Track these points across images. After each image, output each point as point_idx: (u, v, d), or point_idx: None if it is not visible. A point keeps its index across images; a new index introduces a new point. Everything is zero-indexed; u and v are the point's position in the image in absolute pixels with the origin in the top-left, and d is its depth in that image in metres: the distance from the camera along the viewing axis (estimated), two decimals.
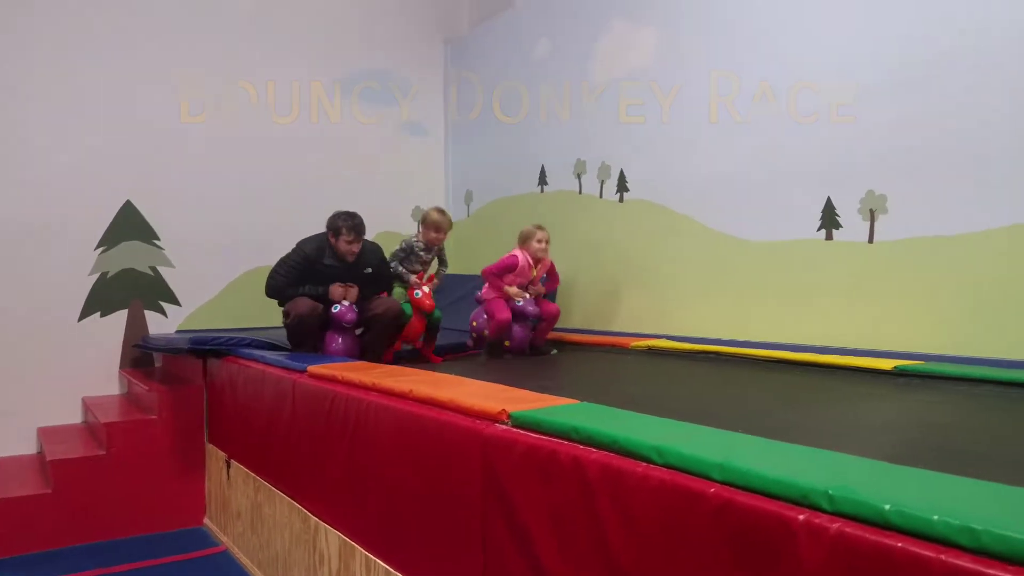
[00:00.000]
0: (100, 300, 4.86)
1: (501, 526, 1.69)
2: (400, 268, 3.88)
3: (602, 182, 4.59)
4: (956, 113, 2.89)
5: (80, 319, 4.79)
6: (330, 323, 3.58)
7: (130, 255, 4.95)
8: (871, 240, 3.18)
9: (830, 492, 1.07)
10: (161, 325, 5.04)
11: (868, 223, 3.19)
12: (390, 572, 2.15)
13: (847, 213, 3.27)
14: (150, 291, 5.01)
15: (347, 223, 3.53)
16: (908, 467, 1.21)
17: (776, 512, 1.11)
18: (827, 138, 3.34)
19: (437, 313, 3.82)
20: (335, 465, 2.47)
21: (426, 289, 3.75)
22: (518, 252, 3.94)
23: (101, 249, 4.86)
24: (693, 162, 3.99)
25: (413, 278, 3.84)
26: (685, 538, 1.24)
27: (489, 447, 1.73)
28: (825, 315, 3.37)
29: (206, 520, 4.06)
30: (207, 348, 3.84)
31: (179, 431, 4.03)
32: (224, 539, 3.74)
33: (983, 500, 1.02)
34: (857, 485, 1.08)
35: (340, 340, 3.60)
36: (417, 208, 6.01)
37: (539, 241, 3.90)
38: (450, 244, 5.84)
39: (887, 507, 1.00)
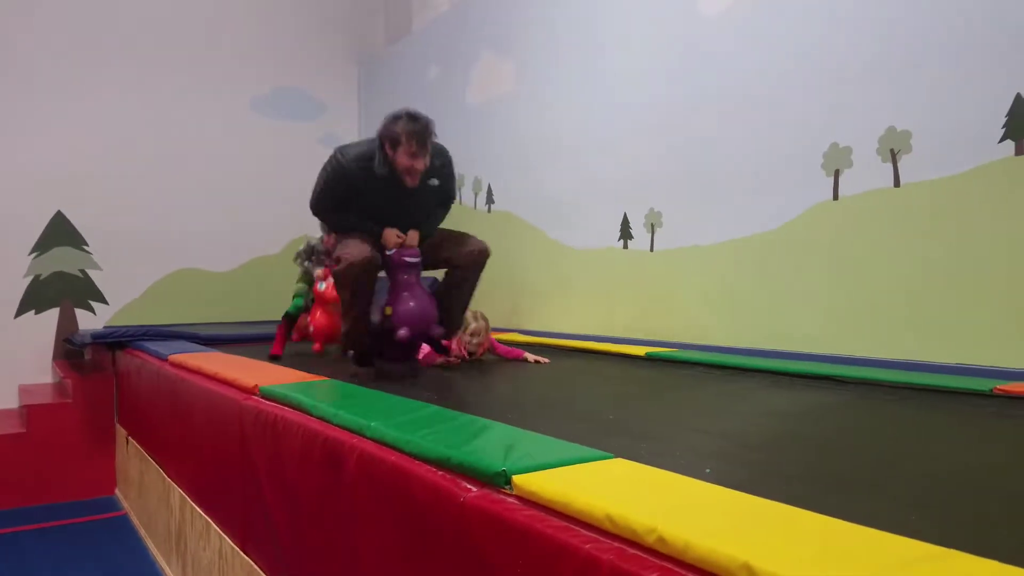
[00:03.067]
0: (34, 299, 5.47)
1: (250, 476, 2.29)
2: (306, 263, 3.83)
3: (476, 194, 5.20)
4: (707, 145, 3.50)
5: (16, 316, 5.39)
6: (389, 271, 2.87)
7: (61, 259, 5.55)
8: (652, 249, 3.80)
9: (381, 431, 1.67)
10: (91, 322, 5.63)
11: (650, 235, 3.81)
12: (203, 516, 2.76)
13: (637, 226, 3.88)
14: (80, 291, 5.61)
15: (409, 127, 2.54)
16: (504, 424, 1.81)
17: (340, 438, 1.70)
18: (623, 161, 3.95)
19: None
20: (174, 434, 3.08)
21: (332, 281, 3.36)
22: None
23: (34, 254, 5.46)
24: (540, 179, 4.59)
25: (319, 270, 3.71)
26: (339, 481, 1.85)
27: (244, 413, 2.33)
28: (623, 310, 3.99)
29: (116, 490, 4.67)
30: (107, 340, 4.43)
31: (92, 413, 4.63)
32: (126, 505, 4.35)
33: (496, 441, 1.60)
34: (398, 430, 1.68)
35: (409, 295, 2.75)
36: None
37: (473, 335, 3.31)
38: None
39: (407, 439, 1.58)
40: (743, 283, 3.35)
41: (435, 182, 2.82)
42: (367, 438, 1.63)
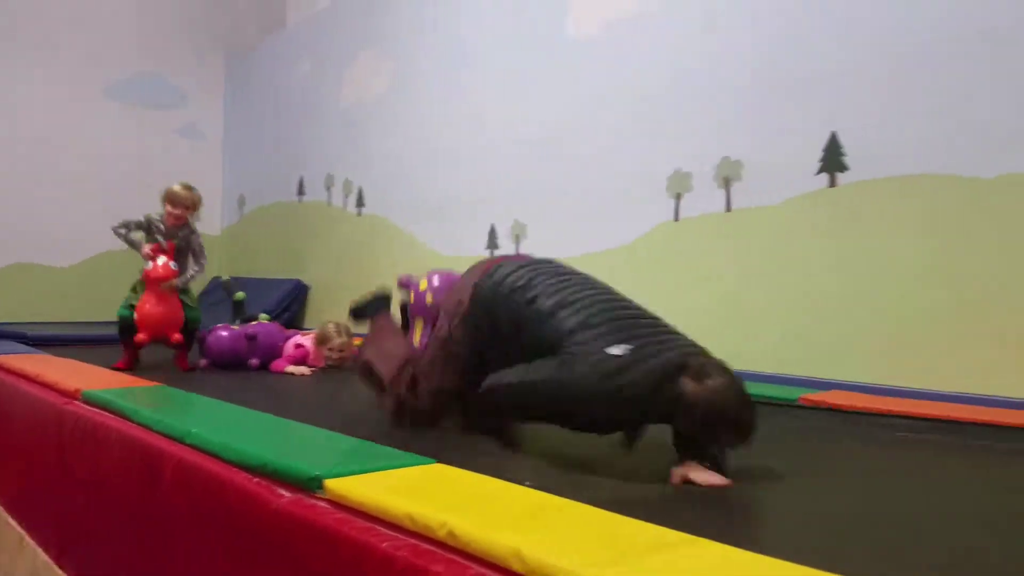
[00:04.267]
0: None
1: (68, 485, 2.15)
2: (130, 235, 3.24)
3: (346, 196, 5.13)
4: (570, 163, 3.66)
5: None
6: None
7: None
8: None
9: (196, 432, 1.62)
10: None
11: (515, 244, 3.92)
12: (17, 528, 2.55)
13: (503, 236, 3.99)
14: None
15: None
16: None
17: (159, 445, 1.64)
18: (492, 173, 4.05)
19: (195, 314, 3.26)
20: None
21: (160, 261, 3.05)
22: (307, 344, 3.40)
23: None
24: (412, 185, 4.60)
25: (147, 248, 3.14)
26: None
27: (64, 418, 2.18)
28: None
29: None
30: None
31: None
32: None
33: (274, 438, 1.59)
34: (217, 434, 1.64)
35: None
36: None
37: (331, 349, 3.31)
38: (224, 244, 6.22)
39: (225, 446, 1.54)
40: None
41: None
42: (186, 445, 1.58)
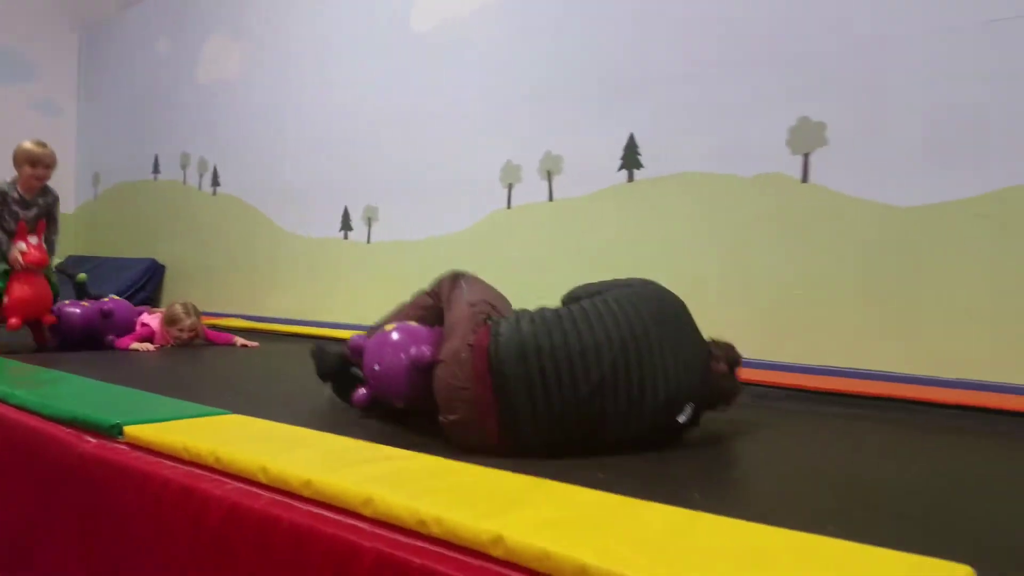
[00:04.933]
0: None
1: None
2: None
3: (200, 175, 5.16)
4: (415, 151, 3.93)
5: None
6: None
7: None
8: (368, 241, 4.15)
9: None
10: None
11: (367, 228, 4.16)
12: None
13: (356, 219, 4.21)
14: None
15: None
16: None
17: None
18: (345, 158, 4.25)
19: (57, 288, 3.14)
20: None
21: (33, 241, 2.92)
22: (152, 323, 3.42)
23: None
24: (268, 167, 4.72)
25: (10, 224, 2.94)
26: None
27: None
28: (342, 297, 4.29)
29: None
30: None
31: None
32: None
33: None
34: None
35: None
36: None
37: (181, 330, 3.35)
38: (79, 223, 6.05)
39: (39, 402, 1.71)
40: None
41: None
42: (9, 404, 1.75)
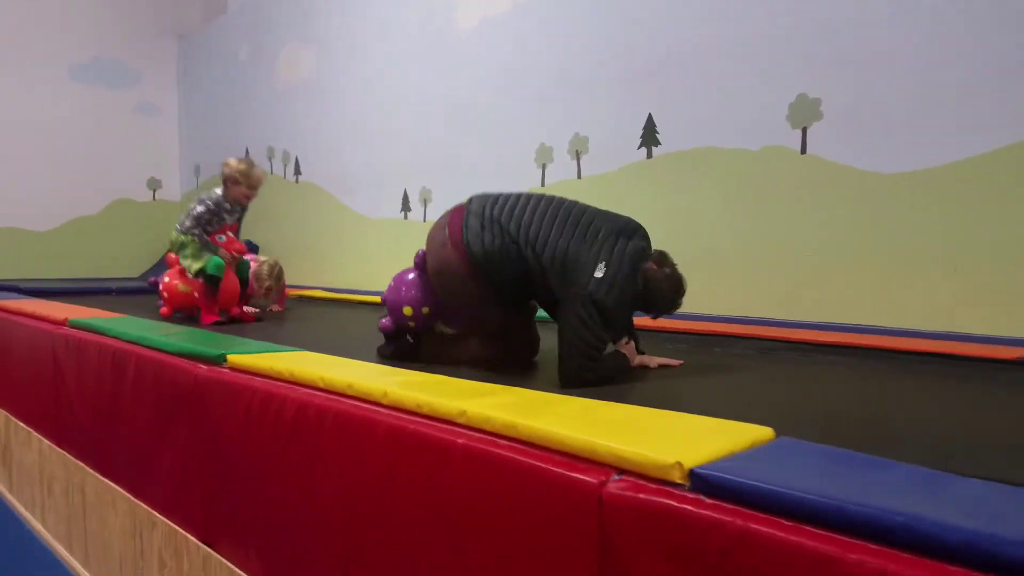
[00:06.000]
0: None
1: (62, 389, 2.90)
2: (206, 239, 3.18)
3: (284, 166, 5.82)
4: (463, 136, 4.40)
5: None
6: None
7: None
8: (424, 220, 4.67)
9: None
10: None
11: (423, 208, 4.68)
12: (24, 427, 3.30)
13: (414, 200, 4.74)
14: None
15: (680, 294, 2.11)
16: None
17: (125, 348, 2.40)
18: (403, 144, 4.78)
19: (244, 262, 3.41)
20: None
21: (230, 233, 3.27)
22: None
23: None
24: (339, 155, 5.31)
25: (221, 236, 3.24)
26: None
27: (56, 341, 2.92)
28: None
29: None
30: None
31: None
32: None
33: None
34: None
35: None
36: (153, 179, 6.97)
37: (259, 287, 3.73)
38: (184, 209, 6.88)
39: (164, 342, 2.30)
40: None
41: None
42: (144, 346, 2.36)
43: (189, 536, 2.13)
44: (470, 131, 4.33)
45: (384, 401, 1.54)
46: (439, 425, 1.40)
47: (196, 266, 3.14)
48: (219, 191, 3.22)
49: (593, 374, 1.87)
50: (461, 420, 1.38)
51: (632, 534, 1.06)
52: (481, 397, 1.48)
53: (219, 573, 1.99)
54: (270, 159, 5.94)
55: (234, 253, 3.21)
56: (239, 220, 3.37)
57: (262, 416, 1.80)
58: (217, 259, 3.14)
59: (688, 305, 3.34)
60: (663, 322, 2.96)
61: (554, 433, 1.23)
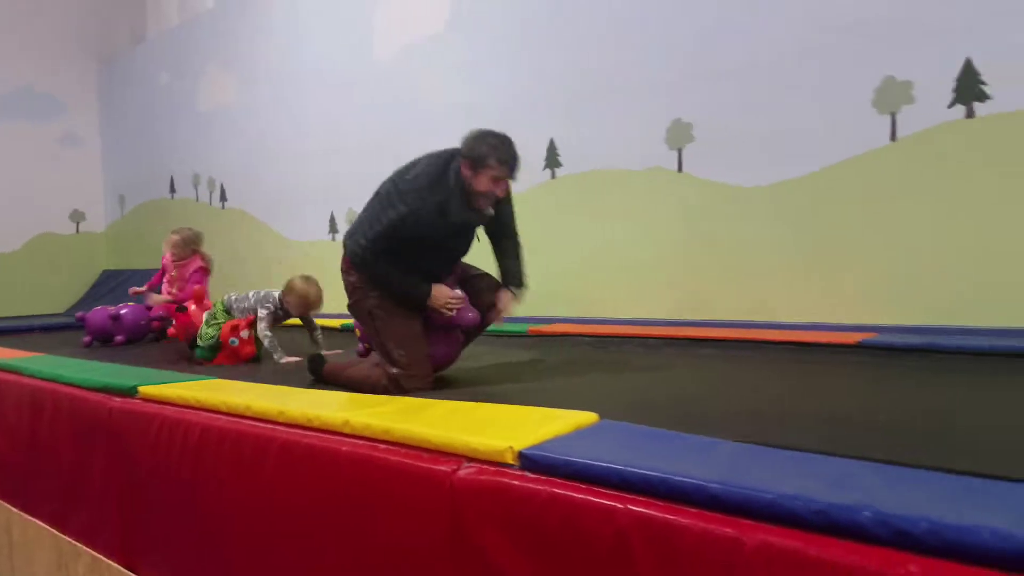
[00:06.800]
0: None
1: None
2: (275, 344, 3.19)
3: (210, 192, 5.90)
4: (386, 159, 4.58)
5: None
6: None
7: None
8: None
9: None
10: None
11: None
12: None
13: (341, 221, 4.90)
14: None
15: (498, 151, 2.16)
16: None
17: (40, 385, 2.50)
18: (328, 168, 4.94)
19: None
20: None
21: (244, 335, 3.24)
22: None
23: None
24: (264, 180, 5.43)
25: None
26: None
27: None
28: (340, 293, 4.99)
29: None
30: None
31: None
32: None
33: None
34: None
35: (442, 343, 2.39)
36: (76, 211, 6.93)
37: (168, 244, 4.04)
38: (109, 240, 6.86)
39: (81, 378, 2.42)
40: None
41: (491, 211, 2.26)
42: (59, 383, 2.47)
43: (112, 563, 2.25)
44: (390, 154, 4.49)
45: (280, 419, 1.72)
46: (326, 436, 1.59)
47: (210, 334, 3.25)
48: (276, 296, 3.32)
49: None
50: (346, 429, 1.58)
51: (476, 511, 1.28)
52: (364, 408, 1.68)
53: None
54: (195, 186, 6.00)
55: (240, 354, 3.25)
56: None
57: (170, 442, 1.95)
58: (203, 354, 3.23)
59: (585, 309, 3.61)
60: (563, 327, 3.20)
61: (420, 433, 1.44)
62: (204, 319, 3.31)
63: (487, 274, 2.42)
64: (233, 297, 3.35)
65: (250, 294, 3.38)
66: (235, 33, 5.52)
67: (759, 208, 3.09)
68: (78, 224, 6.95)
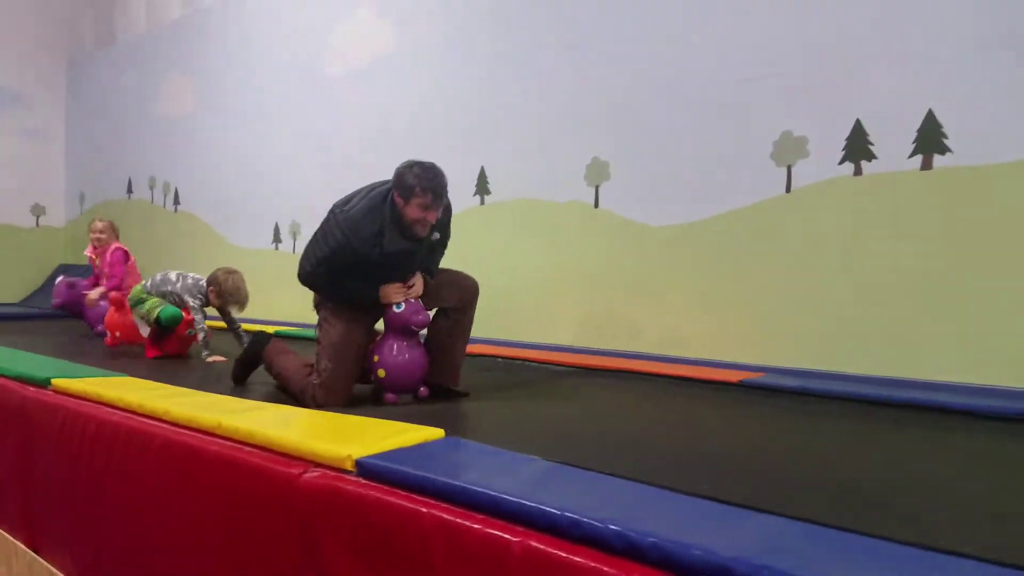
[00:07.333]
0: None
1: None
2: (202, 323, 3.44)
3: (164, 195, 6.02)
4: (338, 173, 4.76)
5: None
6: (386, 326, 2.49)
7: None
8: (294, 251, 4.99)
9: None
10: None
11: (293, 239, 5.00)
12: None
13: (284, 232, 5.05)
14: None
15: (424, 180, 2.32)
16: None
17: None
18: (274, 178, 5.10)
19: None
20: None
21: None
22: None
23: None
24: (215, 186, 5.57)
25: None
26: None
27: None
28: (283, 300, 5.12)
29: None
30: None
31: None
32: None
33: None
34: None
35: (403, 349, 2.44)
36: (37, 205, 7.00)
37: (93, 232, 4.28)
38: (67, 236, 6.93)
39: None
40: None
41: (436, 235, 2.50)
42: None
43: (18, 543, 2.38)
44: (333, 169, 4.69)
45: (165, 418, 1.88)
46: (201, 436, 1.75)
47: (155, 313, 3.39)
48: (204, 290, 3.53)
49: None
50: (218, 431, 1.73)
51: (318, 512, 1.45)
52: (238, 412, 1.83)
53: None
54: (151, 188, 6.12)
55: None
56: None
57: (71, 433, 2.10)
58: (172, 310, 3.39)
59: (500, 331, 3.79)
60: (480, 348, 3.37)
61: (277, 437, 1.61)
62: (131, 307, 3.49)
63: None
64: (158, 279, 3.50)
65: (172, 275, 3.52)
66: (197, 44, 5.69)
67: (666, 246, 3.30)
68: (38, 218, 7.02)
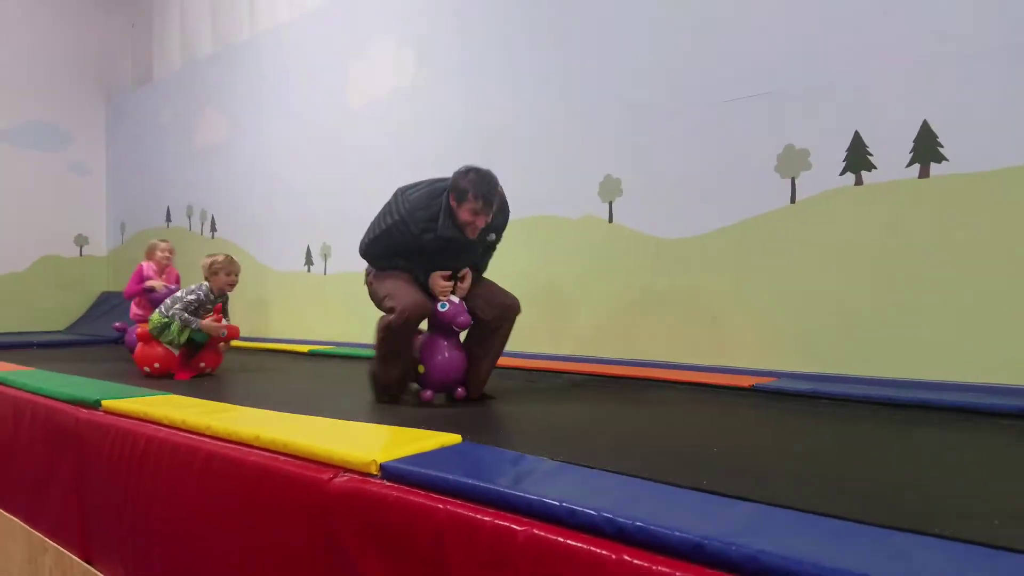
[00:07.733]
0: None
1: None
2: (188, 317, 3.47)
3: (202, 223, 6.30)
4: (356, 198, 4.96)
5: None
6: (430, 324, 2.64)
7: None
8: (325, 272, 5.20)
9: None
10: None
11: (324, 261, 5.21)
12: None
13: (316, 254, 5.26)
14: None
15: (476, 187, 2.46)
16: None
17: (15, 394, 2.85)
18: (305, 203, 5.32)
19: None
20: None
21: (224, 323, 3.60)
22: (143, 263, 4.64)
23: None
24: (251, 214, 5.82)
25: (209, 318, 3.57)
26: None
27: None
28: (316, 320, 5.34)
29: None
30: None
31: None
32: None
33: None
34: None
35: (444, 348, 2.58)
36: (80, 235, 7.34)
37: (162, 251, 4.61)
38: (110, 264, 7.25)
39: (58, 391, 2.76)
40: None
41: (492, 237, 2.69)
42: (37, 394, 2.81)
43: (74, 557, 2.57)
44: (360, 192, 4.89)
45: (207, 432, 2.05)
46: (241, 448, 1.92)
47: (183, 338, 3.52)
48: (206, 284, 3.61)
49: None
50: (256, 443, 1.90)
51: (346, 514, 1.60)
52: (275, 425, 2.00)
53: None
54: (189, 216, 6.41)
55: (229, 335, 3.58)
56: (224, 305, 3.71)
57: (122, 450, 2.28)
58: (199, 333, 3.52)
59: (520, 343, 3.91)
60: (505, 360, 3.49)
61: (308, 446, 1.77)
62: (157, 336, 3.54)
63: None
64: (168, 301, 3.60)
65: (179, 294, 3.62)
66: (229, 79, 5.97)
67: (678, 257, 3.42)
68: (81, 248, 7.37)
